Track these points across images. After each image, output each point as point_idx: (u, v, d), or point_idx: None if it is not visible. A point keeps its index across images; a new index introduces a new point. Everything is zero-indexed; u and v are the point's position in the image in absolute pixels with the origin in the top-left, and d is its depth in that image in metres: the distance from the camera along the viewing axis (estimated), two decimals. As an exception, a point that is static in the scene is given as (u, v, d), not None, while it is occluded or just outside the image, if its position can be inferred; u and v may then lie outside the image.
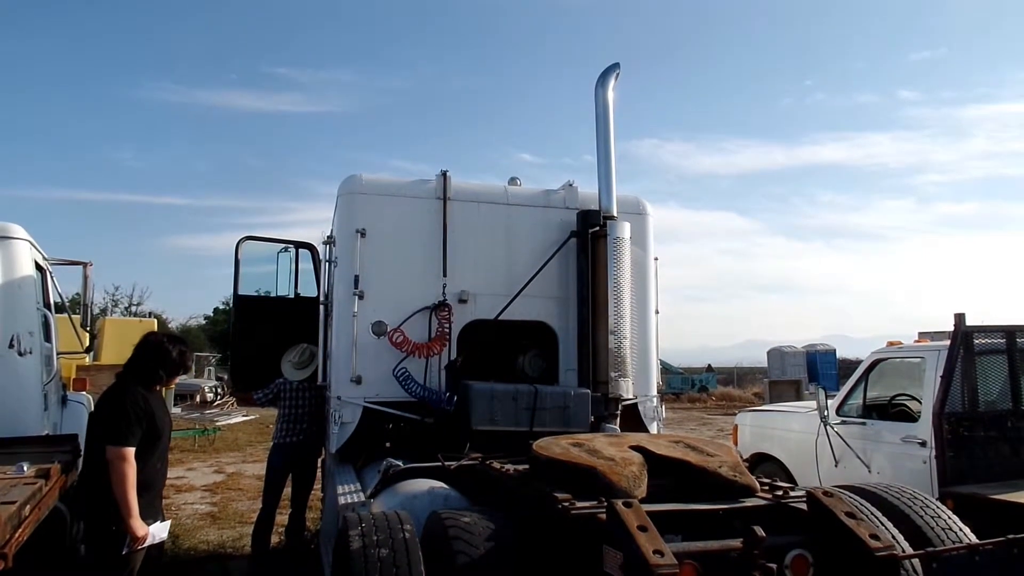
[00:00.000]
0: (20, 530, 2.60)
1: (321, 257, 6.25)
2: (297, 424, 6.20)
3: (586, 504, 2.88)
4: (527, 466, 3.66)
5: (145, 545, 3.71)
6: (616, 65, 5.64)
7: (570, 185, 5.72)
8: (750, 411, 8.53)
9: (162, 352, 3.97)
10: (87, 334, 6.79)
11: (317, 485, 6.74)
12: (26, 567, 3.21)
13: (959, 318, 5.40)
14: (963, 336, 5.42)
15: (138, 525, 3.61)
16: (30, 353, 4.90)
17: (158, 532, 3.86)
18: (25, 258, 5.09)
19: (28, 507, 2.78)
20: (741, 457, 3.57)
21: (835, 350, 30.61)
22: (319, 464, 6.58)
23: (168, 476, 4.23)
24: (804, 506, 3.00)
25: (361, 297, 5.06)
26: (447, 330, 5.19)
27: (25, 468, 3.35)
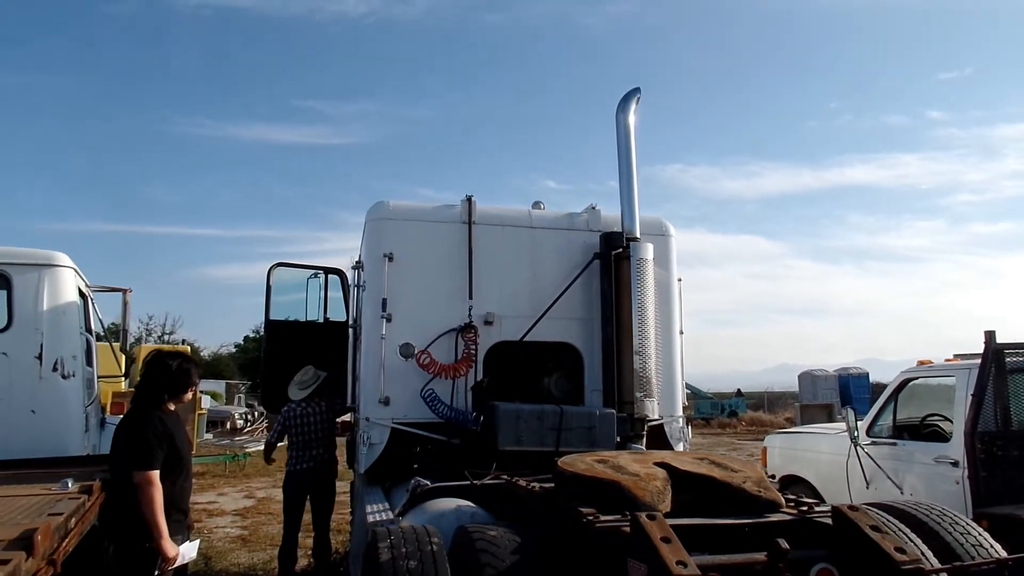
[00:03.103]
0: (66, 540, 2.72)
1: (350, 282, 6.39)
2: (306, 451, 6.24)
3: (610, 518, 2.91)
4: (552, 484, 3.70)
5: (176, 565, 3.80)
6: (636, 90, 5.75)
7: (593, 208, 5.81)
8: (779, 433, 8.45)
9: (161, 370, 3.98)
10: (124, 357, 7.00)
11: (344, 509, 6.80)
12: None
13: (989, 335, 5.34)
14: (994, 354, 5.35)
15: (168, 546, 3.69)
16: (73, 376, 5.09)
17: (188, 551, 3.95)
18: (70, 285, 5.31)
19: (73, 520, 2.91)
20: (767, 475, 3.57)
21: (868, 373, 30.03)
22: (336, 486, 6.60)
23: (199, 501, 4.32)
24: (829, 521, 3.00)
25: (389, 320, 5.17)
26: (473, 352, 5.27)
27: (70, 484, 3.49)
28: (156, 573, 3.70)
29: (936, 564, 2.89)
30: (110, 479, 3.87)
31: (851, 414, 6.32)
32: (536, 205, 5.95)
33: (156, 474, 3.68)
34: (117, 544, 3.99)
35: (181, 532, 3.96)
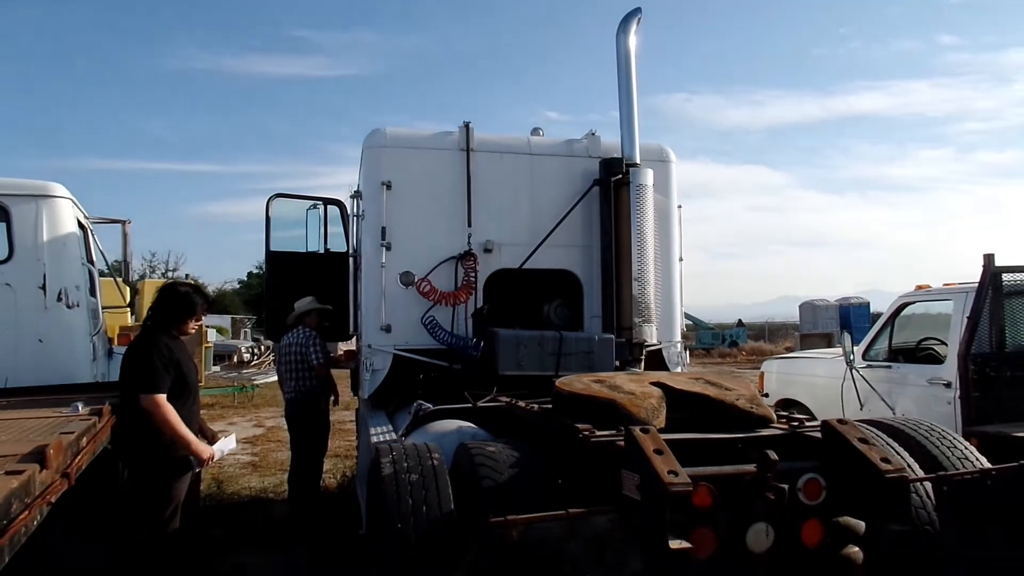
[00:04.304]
0: (79, 457, 2.82)
1: (349, 212, 6.38)
2: (285, 385, 6.40)
3: (606, 432, 3.00)
4: (551, 405, 3.79)
5: (218, 458, 4.15)
6: (637, 9, 5.59)
7: (592, 134, 5.74)
8: (776, 359, 8.58)
9: (171, 298, 4.19)
10: (128, 287, 7.05)
11: (351, 436, 6.93)
12: (86, 500, 3.44)
13: (988, 258, 5.35)
14: (992, 276, 5.37)
15: (200, 448, 3.97)
16: (77, 306, 5.15)
17: (225, 446, 4.30)
18: (68, 216, 5.30)
19: (84, 439, 3.00)
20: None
21: (868, 303, 30.16)
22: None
23: (212, 429, 4.58)
24: (819, 435, 3.08)
25: (388, 248, 5.19)
26: (473, 279, 5.31)
27: (80, 407, 3.59)
28: (198, 471, 4.08)
29: (920, 474, 2.98)
30: (120, 403, 4.00)
31: (847, 338, 6.40)
32: (535, 132, 5.88)
33: (163, 396, 3.84)
34: (130, 466, 4.16)
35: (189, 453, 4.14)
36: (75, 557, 4.15)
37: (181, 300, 4.19)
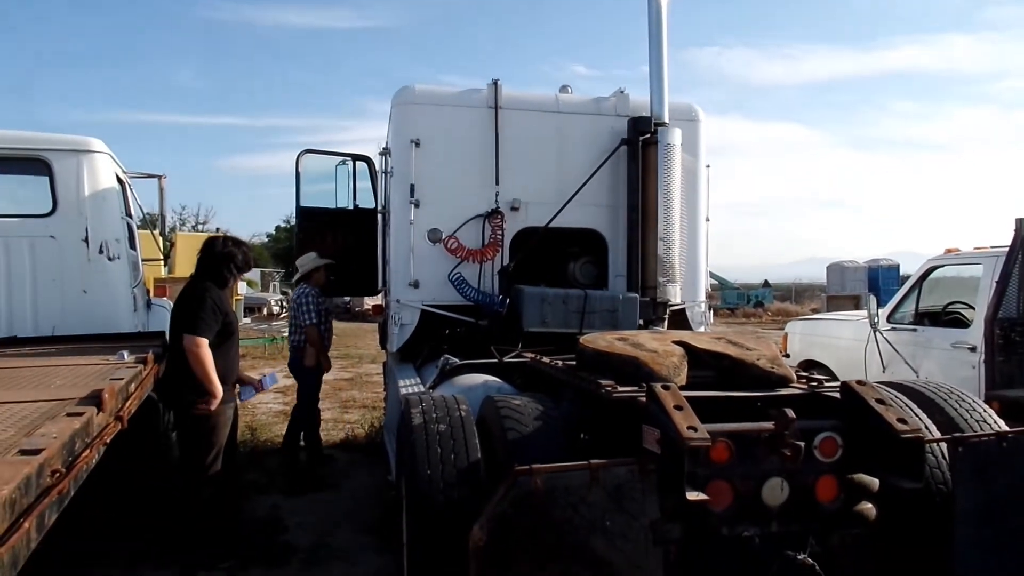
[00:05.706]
0: (128, 402, 2.99)
1: (378, 168, 6.45)
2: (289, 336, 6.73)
3: (627, 388, 3.09)
4: (574, 361, 3.88)
5: (265, 390, 4.97)
6: (670, -36, 5.49)
7: (621, 92, 5.71)
8: (800, 320, 8.58)
9: (228, 253, 4.44)
10: (163, 240, 7.25)
11: (378, 388, 7.10)
12: (131, 446, 3.65)
13: (1020, 222, 5.29)
14: (1023, 241, 5.31)
15: (217, 390, 4.22)
16: (119, 259, 5.34)
17: (267, 382, 5.04)
18: (108, 170, 5.45)
19: (133, 384, 3.18)
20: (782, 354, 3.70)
21: (899, 265, 29.61)
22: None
23: (250, 376, 4.88)
24: (838, 395, 3.14)
25: (417, 206, 5.27)
26: (499, 237, 5.38)
27: (125, 355, 3.78)
28: (239, 400, 4.66)
29: (937, 435, 3.04)
30: (170, 347, 4.30)
31: (872, 300, 6.39)
32: (563, 89, 5.85)
33: (205, 340, 4.09)
34: (176, 410, 4.39)
35: (231, 400, 4.38)
36: (119, 498, 4.42)
37: (241, 259, 4.48)
